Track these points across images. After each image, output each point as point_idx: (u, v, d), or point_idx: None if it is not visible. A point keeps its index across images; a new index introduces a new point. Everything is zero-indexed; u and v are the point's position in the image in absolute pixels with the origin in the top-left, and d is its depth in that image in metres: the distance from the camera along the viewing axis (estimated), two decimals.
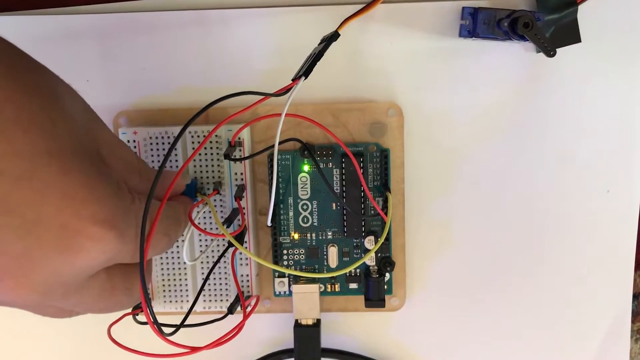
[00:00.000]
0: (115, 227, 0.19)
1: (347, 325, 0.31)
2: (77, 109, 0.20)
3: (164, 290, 0.29)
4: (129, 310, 0.28)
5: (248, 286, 0.30)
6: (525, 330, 0.31)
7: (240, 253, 0.29)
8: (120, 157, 0.22)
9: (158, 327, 0.21)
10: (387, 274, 0.30)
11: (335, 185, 0.29)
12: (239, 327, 0.26)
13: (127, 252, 0.20)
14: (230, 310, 0.28)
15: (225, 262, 0.29)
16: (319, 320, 0.30)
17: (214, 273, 0.29)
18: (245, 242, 0.29)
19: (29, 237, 0.17)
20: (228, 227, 0.27)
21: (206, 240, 0.29)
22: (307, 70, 0.24)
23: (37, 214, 0.17)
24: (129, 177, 0.22)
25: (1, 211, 0.17)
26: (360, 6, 0.27)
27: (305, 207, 0.30)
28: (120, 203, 0.19)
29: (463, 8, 0.28)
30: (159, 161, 0.28)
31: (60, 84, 0.20)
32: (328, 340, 0.31)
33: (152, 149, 0.28)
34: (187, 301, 0.29)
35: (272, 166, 0.29)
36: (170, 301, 0.29)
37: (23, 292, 0.18)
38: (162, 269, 0.29)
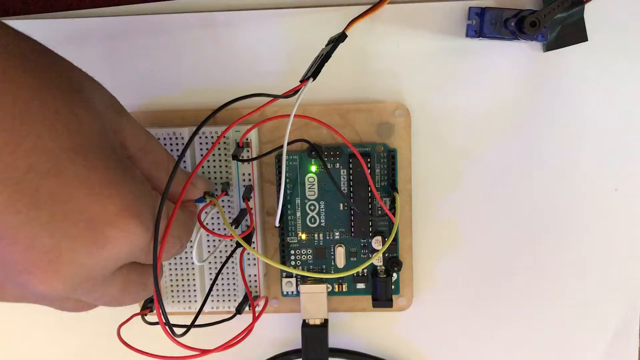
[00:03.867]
0: (142, 220, 0.19)
1: (355, 325, 0.31)
2: (102, 105, 0.20)
3: (172, 291, 0.30)
4: (138, 310, 0.28)
5: (256, 286, 0.30)
6: (533, 329, 0.31)
7: (248, 253, 0.29)
8: (148, 152, 0.22)
9: (170, 328, 0.21)
10: (395, 274, 0.30)
11: (342, 185, 0.29)
12: (248, 329, 0.26)
13: (147, 247, 0.20)
14: (239, 310, 0.28)
15: (233, 262, 0.29)
16: (326, 320, 0.30)
17: (222, 273, 0.29)
18: (253, 242, 0.29)
19: (57, 232, 0.17)
20: (236, 228, 0.27)
21: (214, 241, 0.29)
22: (315, 71, 0.24)
23: (65, 208, 0.17)
24: (156, 173, 0.22)
25: (30, 205, 0.17)
26: (367, 7, 0.27)
27: (312, 207, 0.30)
28: (145, 199, 0.20)
29: (470, 8, 0.28)
30: None
31: (85, 80, 0.20)
32: (336, 340, 0.31)
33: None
34: (195, 301, 0.30)
35: (280, 167, 0.29)
36: (179, 301, 0.30)
37: (53, 285, 0.18)
38: (171, 269, 0.29)
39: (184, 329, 0.23)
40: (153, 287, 0.20)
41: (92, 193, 0.18)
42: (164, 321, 0.20)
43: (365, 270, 0.30)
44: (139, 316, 0.27)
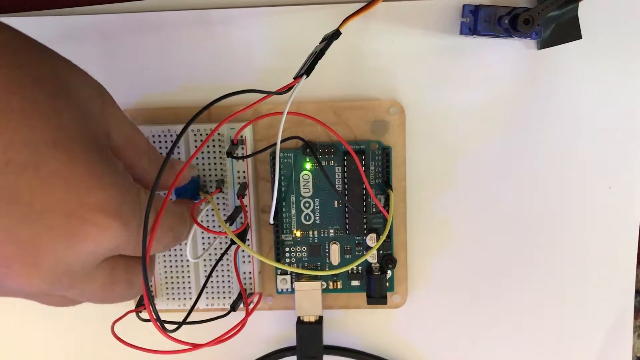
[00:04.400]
0: (120, 216, 0.19)
1: (349, 322, 0.32)
2: (86, 95, 0.20)
3: (167, 288, 0.30)
4: (133, 307, 0.28)
5: (250, 283, 0.30)
6: (527, 327, 0.31)
7: (243, 251, 0.29)
8: (131, 141, 0.22)
9: (160, 323, 0.21)
10: (389, 271, 0.30)
11: (337, 183, 0.29)
12: (241, 324, 0.26)
13: (131, 242, 0.20)
14: (233, 307, 0.28)
15: (227, 259, 0.29)
16: (321, 318, 0.30)
17: (216, 271, 0.29)
18: (248, 239, 0.29)
19: (36, 225, 0.17)
20: (231, 225, 0.27)
21: (209, 238, 0.29)
22: (308, 68, 0.24)
23: (44, 202, 0.17)
24: (138, 160, 0.22)
25: (8, 200, 0.17)
26: (361, 4, 0.27)
27: (307, 204, 0.30)
28: (126, 193, 0.19)
29: (464, 6, 0.28)
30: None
31: (69, 70, 0.20)
32: (330, 337, 0.32)
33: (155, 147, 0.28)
34: (190, 298, 0.30)
35: (274, 164, 0.29)
36: (173, 298, 0.30)
37: (32, 280, 0.18)
38: (165, 266, 0.29)
39: (176, 325, 0.23)
40: (142, 283, 0.20)
41: (71, 187, 0.18)
42: (154, 316, 0.20)
43: (359, 268, 0.30)
44: (134, 313, 0.27)
